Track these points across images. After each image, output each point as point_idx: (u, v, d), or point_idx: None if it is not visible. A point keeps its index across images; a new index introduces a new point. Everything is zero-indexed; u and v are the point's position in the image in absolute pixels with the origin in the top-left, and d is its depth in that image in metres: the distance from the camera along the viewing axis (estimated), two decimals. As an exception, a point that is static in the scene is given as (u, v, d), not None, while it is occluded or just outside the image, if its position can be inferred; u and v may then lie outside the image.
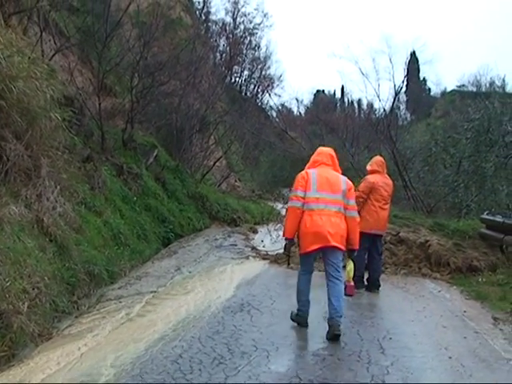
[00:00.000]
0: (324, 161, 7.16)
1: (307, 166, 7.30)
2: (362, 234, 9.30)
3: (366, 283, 9.54)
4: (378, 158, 10.23)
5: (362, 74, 18.73)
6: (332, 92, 74.37)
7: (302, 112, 39.99)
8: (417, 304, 8.71)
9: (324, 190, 6.82)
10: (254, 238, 16.50)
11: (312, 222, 6.70)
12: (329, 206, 6.76)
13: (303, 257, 7.04)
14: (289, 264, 8.34)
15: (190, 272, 10.71)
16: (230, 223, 19.42)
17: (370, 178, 9.54)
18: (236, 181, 29.29)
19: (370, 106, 29.42)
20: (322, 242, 6.65)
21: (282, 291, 9.07)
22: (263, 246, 14.67)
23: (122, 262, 10.36)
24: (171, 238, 14.75)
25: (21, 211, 7.93)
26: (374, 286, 9.47)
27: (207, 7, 50.85)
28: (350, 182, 7.04)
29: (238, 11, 50.72)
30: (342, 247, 6.79)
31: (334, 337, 6.40)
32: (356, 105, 48.34)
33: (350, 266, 7.33)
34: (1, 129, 8.14)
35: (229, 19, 50.57)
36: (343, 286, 6.91)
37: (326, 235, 6.62)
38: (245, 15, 50.71)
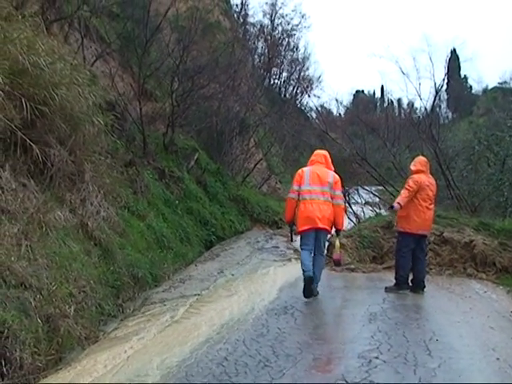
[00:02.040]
0: (318, 160, 9.03)
1: (308, 162, 9.20)
2: (407, 234, 9.24)
3: (410, 284, 9.41)
4: (421, 157, 10.09)
5: (403, 73, 18.41)
6: (372, 92, 73.93)
7: (342, 113, 39.75)
8: (463, 305, 8.55)
9: (315, 183, 8.68)
10: (296, 240, 16.43)
11: (305, 209, 8.57)
12: (318, 196, 8.62)
13: (301, 235, 8.82)
14: (292, 240, 10.42)
15: (232, 275, 10.71)
16: (272, 225, 19.38)
17: (416, 177, 9.41)
18: (277, 183, 29.19)
19: (411, 105, 29.15)
20: (312, 224, 8.52)
21: (325, 293, 9.01)
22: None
23: (166, 265, 10.43)
24: (213, 241, 14.81)
25: (66, 216, 8.03)
26: (418, 287, 9.34)
27: (245, 10, 50.83)
28: (336, 176, 8.87)
29: (276, 13, 50.47)
30: (328, 228, 8.75)
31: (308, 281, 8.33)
32: (396, 104, 47.92)
33: (337, 242, 9.23)
34: (45, 135, 8.23)
35: (267, 21, 50.33)
36: (324, 259, 9.22)
37: (315, 219, 8.48)
38: (282, 17, 50.38)
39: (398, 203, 9.05)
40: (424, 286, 9.38)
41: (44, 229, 7.18)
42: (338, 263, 9.56)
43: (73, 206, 8.53)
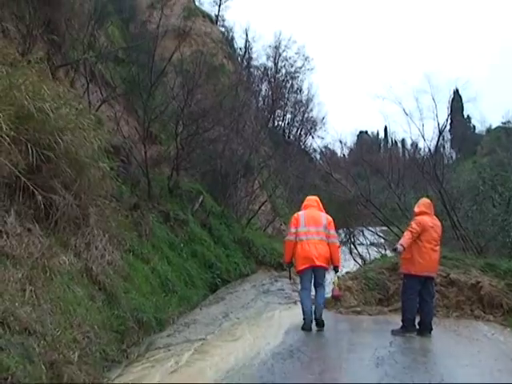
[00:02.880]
0: (311, 204, 9.98)
1: (302, 207, 10.08)
2: (413, 276, 9.17)
3: (417, 327, 9.31)
4: (425, 199, 10.08)
5: (406, 114, 18.52)
6: (375, 133, 74.31)
7: (346, 154, 39.91)
8: (470, 348, 8.44)
9: (310, 225, 9.48)
10: (294, 279, 16.32)
11: (302, 249, 9.29)
12: (314, 236, 9.37)
13: (300, 275, 9.51)
14: (290, 278, 10.79)
15: (238, 318, 10.62)
16: (277, 268, 19.30)
17: (419, 219, 9.38)
18: (281, 224, 29.13)
19: (415, 145, 29.15)
20: (310, 263, 9.21)
21: (332, 336, 8.94)
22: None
23: (170, 309, 10.35)
24: (218, 284, 14.74)
25: (70, 260, 8.01)
26: (426, 330, 9.23)
27: (249, 53, 51.66)
28: (329, 217, 9.73)
29: (279, 56, 51.21)
30: (326, 266, 9.39)
31: (320, 326, 9.20)
32: (400, 145, 48.11)
33: (336, 279, 9.95)
34: (50, 179, 8.25)
35: (270, 64, 51.04)
36: (325, 291, 9.62)
37: (312, 258, 9.19)
38: (286, 59, 51.13)
39: (401, 245, 9.00)
40: (431, 329, 9.27)
41: (48, 273, 7.16)
42: (337, 299, 10.62)
43: (77, 250, 8.51)
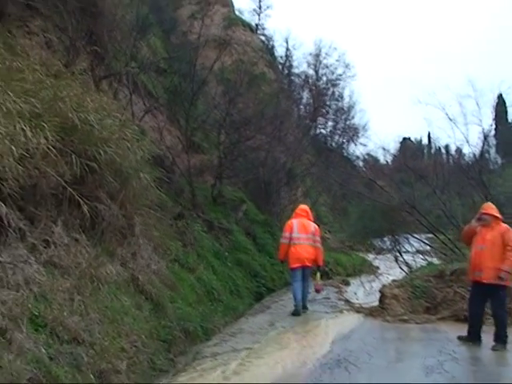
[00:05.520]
0: (301, 214, 12.39)
1: (292, 216, 12.61)
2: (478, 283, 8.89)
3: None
4: (491, 204, 9.78)
5: (450, 119, 18.28)
6: (418, 139, 73.40)
7: (389, 160, 39.50)
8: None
9: (301, 231, 11.98)
10: (346, 291, 16.19)
11: (295, 251, 11.86)
12: (304, 242, 11.90)
13: (291, 271, 12.13)
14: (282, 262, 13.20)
15: (283, 327, 10.52)
16: (322, 276, 19.14)
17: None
18: (325, 232, 28.99)
19: (459, 151, 28.74)
20: (301, 263, 11.82)
21: (379, 346, 8.81)
22: (357, 299, 14.38)
23: (216, 319, 10.32)
24: (263, 293, 14.67)
25: (117, 270, 8.06)
26: (497, 341, 8.89)
27: (289, 61, 51.64)
28: (316, 226, 12.38)
29: (320, 63, 51.11)
30: (311, 265, 12.05)
31: (304, 309, 12.02)
32: (444, 151, 47.48)
33: (318, 274, 12.70)
34: (95, 190, 8.31)
35: (311, 71, 50.98)
36: (308, 284, 12.24)
37: (303, 259, 11.81)
38: (327, 67, 50.99)
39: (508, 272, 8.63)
40: (503, 341, 8.84)
41: (96, 283, 7.21)
42: (318, 291, 13.02)
43: (124, 259, 8.56)
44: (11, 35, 10.03)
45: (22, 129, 6.55)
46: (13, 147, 6.18)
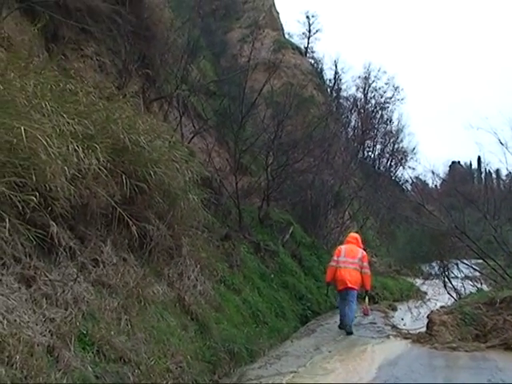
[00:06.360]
0: (351, 241, 12.89)
1: (344, 242, 13.39)
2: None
3: None
4: None
5: (501, 143, 18.01)
6: (468, 163, 72.46)
7: (438, 184, 39.07)
8: None
9: (348, 256, 12.31)
10: (393, 316, 15.96)
11: (339, 274, 12.13)
12: (350, 266, 12.18)
13: (338, 293, 12.65)
14: (327, 293, 14.11)
15: (329, 351, 10.41)
16: (369, 300, 18.93)
17: None
18: (372, 256, 28.73)
19: (510, 176, 28.29)
20: (344, 285, 12.05)
21: (427, 373, 8.65)
22: (404, 325, 14.15)
23: (261, 341, 10.29)
24: (309, 316, 14.56)
25: (164, 290, 8.12)
26: None
27: (338, 84, 51.63)
28: (364, 252, 12.65)
29: (369, 86, 51.02)
30: (356, 288, 12.19)
31: (348, 334, 11.89)
32: (494, 175, 46.78)
33: (366, 298, 13.24)
34: (144, 210, 8.41)
35: (360, 95, 50.93)
36: (354, 305, 12.31)
37: (346, 281, 12.01)
38: (375, 90, 50.88)
39: None
40: None
41: (143, 303, 7.27)
42: (365, 314, 13.52)
43: (170, 279, 8.62)
44: (66, 58, 10.28)
45: (75, 149, 6.66)
46: (65, 167, 6.29)
